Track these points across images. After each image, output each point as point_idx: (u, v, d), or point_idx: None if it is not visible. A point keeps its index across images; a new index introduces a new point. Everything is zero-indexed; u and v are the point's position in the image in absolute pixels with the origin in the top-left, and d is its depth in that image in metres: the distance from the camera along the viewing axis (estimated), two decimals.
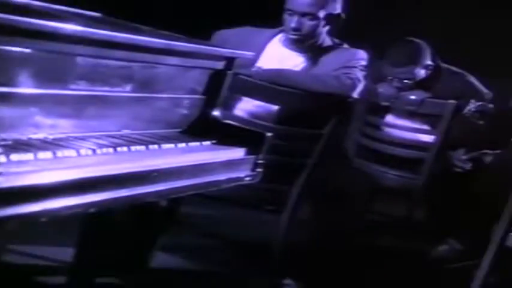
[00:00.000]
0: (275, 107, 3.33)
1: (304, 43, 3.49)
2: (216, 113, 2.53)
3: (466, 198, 3.83)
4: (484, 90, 4.36)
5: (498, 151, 4.00)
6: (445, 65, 4.43)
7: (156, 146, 2.22)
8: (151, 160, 2.11)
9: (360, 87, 3.37)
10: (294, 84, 3.26)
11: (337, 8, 3.49)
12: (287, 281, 3.35)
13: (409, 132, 4.29)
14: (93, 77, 2.07)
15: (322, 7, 3.43)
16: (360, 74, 3.39)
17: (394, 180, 4.28)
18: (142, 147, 2.17)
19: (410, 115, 4.31)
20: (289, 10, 3.44)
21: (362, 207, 3.57)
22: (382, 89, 4.33)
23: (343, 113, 3.37)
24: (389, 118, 4.40)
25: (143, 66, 2.22)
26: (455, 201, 3.92)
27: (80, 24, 1.98)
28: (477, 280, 3.36)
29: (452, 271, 3.90)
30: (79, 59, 2.01)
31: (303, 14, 3.42)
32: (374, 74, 4.16)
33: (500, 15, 5.51)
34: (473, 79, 4.39)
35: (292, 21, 3.43)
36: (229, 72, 2.53)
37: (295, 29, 3.44)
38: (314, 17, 3.43)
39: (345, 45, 3.55)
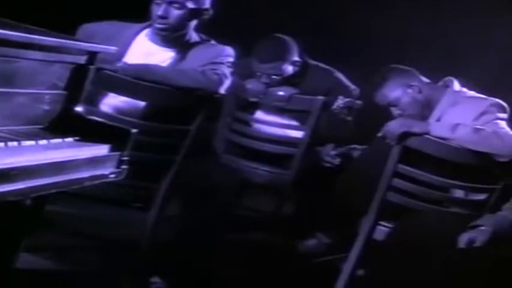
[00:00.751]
0: (141, 103, 3.31)
1: (171, 36, 3.49)
2: (79, 108, 2.50)
3: (334, 192, 3.91)
4: (352, 86, 4.45)
5: (365, 146, 4.09)
6: (313, 62, 4.50)
7: (15, 143, 2.17)
8: (11, 158, 2.07)
9: (227, 83, 3.40)
10: (161, 80, 3.25)
11: (206, 3, 3.52)
12: (155, 279, 3.34)
13: (278, 128, 4.35)
14: None
15: None
16: (227, 70, 3.42)
17: (264, 176, 4.32)
18: (1, 144, 2.12)
19: (279, 111, 4.37)
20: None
21: (231, 204, 3.60)
22: (251, 85, 4.36)
23: (210, 109, 3.39)
24: (259, 114, 4.44)
25: (1, 60, 2.17)
26: (324, 196, 3.99)
27: None
28: (344, 273, 3.45)
29: (320, 265, 3.98)
30: None
31: (170, 2, 3.43)
32: (243, 70, 4.20)
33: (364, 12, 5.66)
34: (340, 75, 4.48)
35: (159, 10, 3.44)
36: (92, 67, 2.50)
37: (162, 17, 3.44)
38: (181, 6, 3.44)
39: (212, 42, 3.58)
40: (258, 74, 4.36)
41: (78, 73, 2.47)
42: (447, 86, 3.83)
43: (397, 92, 3.78)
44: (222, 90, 3.38)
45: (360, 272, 3.47)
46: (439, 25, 5.52)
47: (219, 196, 3.39)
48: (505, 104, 3.65)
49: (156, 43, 3.52)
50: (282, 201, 4.48)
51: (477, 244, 3.00)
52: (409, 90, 3.77)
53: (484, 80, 4.09)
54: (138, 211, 3.42)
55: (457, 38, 5.46)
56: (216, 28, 3.49)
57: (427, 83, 3.85)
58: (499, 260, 2.88)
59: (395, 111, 3.80)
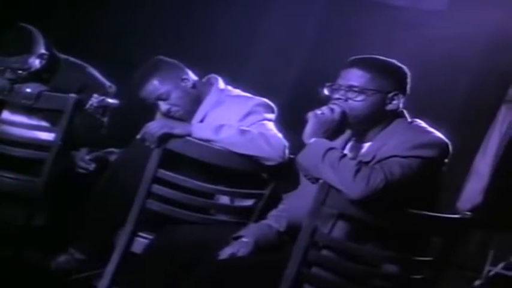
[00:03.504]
0: None
1: None
2: None
3: (89, 201, 3.82)
4: (107, 83, 4.38)
5: (123, 149, 4.03)
6: (64, 56, 4.40)
7: None
8: None
9: None
10: None
11: None
12: None
13: (26, 129, 4.19)
14: None
15: None
16: None
17: (11, 184, 4.16)
18: None
19: (27, 110, 4.22)
20: None
21: None
22: None
23: None
24: (5, 114, 4.26)
25: None
26: (78, 205, 3.89)
27: None
28: None
29: (73, 283, 3.88)
30: None
31: None
32: None
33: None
34: (94, 71, 4.40)
35: None
36: None
37: None
38: None
39: None
40: (1, 68, 4.19)
41: None
42: (211, 83, 3.84)
43: (168, 85, 3.74)
44: None
45: None
46: (198, 18, 5.58)
47: None
48: (272, 104, 3.70)
49: None
50: (33, 212, 4.31)
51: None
52: (182, 84, 3.75)
53: (251, 78, 4.14)
54: None
55: (221, 32, 5.55)
56: None
57: (195, 79, 3.84)
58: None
59: (164, 105, 3.75)
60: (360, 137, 3.05)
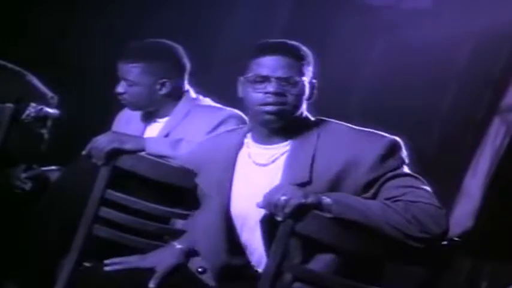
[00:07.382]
0: None
1: None
2: None
3: (26, 225, 3.79)
4: (49, 93, 4.38)
5: (66, 167, 4.00)
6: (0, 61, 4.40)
7: None
8: None
9: None
10: None
11: None
12: None
13: None
14: None
15: None
16: None
17: None
18: None
19: None
20: None
21: None
22: None
23: None
24: None
25: None
26: (13, 230, 3.86)
27: None
28: None
29: None
30: None
31: None
32: None
33: None
34: (34, 79, 4.41)
35: None
36: None
37: None
38: None
39: None
40: None
41: None
42: (183, 93, 3.86)
43: (142, 78, 3.77)
44: None
45: None
46: (152, 18, 5.60)
47: None
48: (244, 116, 3.69)
49: None
50: None
51: None
52: (156, 87, 3.77)
53: (216, 83, 4.15)
54: None
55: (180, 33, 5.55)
56: None
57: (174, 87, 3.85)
58: None
59: (122, 87, 3.80)
60: None
